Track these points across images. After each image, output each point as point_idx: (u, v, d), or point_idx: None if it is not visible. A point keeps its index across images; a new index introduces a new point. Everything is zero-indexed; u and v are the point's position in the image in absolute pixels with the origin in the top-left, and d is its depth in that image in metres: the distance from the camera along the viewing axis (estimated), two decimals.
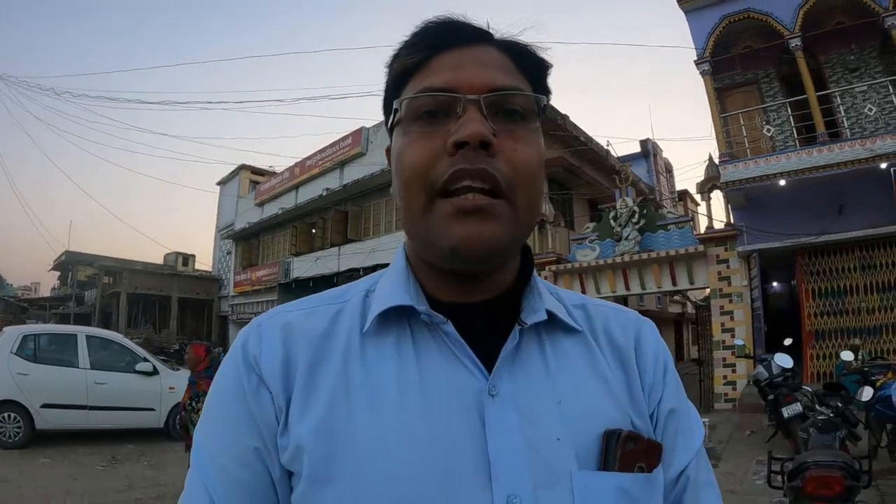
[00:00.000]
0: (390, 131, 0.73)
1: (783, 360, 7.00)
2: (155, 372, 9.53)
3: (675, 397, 0.77)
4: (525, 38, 0.73)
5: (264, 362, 0.67)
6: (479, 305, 0.71)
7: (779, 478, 3.86)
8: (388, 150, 0.75)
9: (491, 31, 0.72)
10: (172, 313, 32.05)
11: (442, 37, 0.70)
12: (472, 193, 0.63)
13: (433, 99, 0.66)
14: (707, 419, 8.49)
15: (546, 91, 0.74)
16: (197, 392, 5.48)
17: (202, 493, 0.66)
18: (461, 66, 0.67)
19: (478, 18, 0.72)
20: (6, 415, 8.40)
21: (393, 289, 0.72)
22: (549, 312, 0.72)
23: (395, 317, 0.70)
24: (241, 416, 0.66)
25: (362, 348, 0.69)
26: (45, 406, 8.56)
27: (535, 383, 0.68)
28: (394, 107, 0.70)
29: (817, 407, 5.87)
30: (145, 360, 9.73)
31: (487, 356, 0.67)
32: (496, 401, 0.64)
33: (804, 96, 11.57)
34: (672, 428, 0.74)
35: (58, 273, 48.54)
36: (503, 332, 0.69)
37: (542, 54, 0.74)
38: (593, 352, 0.74)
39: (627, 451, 0.65)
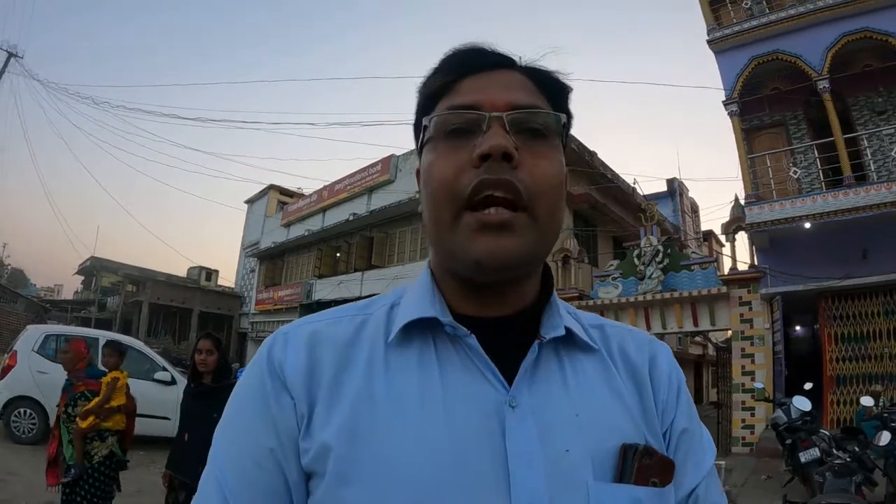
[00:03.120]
0: (420, 151, 0.77)
1: (801, 404, 6.88)
2: (173, 382, 9.59)
3: (687, 418, 0.79)
4: (547, 63, 0.78)
5: (288, 368, 0.69)
6: (500, 320, 0.74)
7: None
8: (418, 171, 0.78)
9: (514, 57, 0.77)
10: (192, 326, 32.17)
11: (469, 62, 0.75)
12: (496, 208, 0.67)
13: (459, 116, 0.70)
14: (724, 463, 8.36)
15: (567, 112, 0.77)
16: (75, 395, 4.69)
17: (217, 493, 0.67)
18: (486, 87, 0.72)
19: (503, 46, 0.77)
20: (22, 410, 8.58)
21: (418, 302, 0.74)
22: (567, 329, 0.74)
23: (419, 329, 0.72)
24: (260, 419, 0.68)
25: (386, 358, 0.71)
26: None
27: (553, 396, 0.70)
28: (423, 124, 0.75)
29: (834, 451, 5.77)
30: (164, 369, 9.80)
31: (507, 369, 0.69)
32: (516, 412, 0.66)
33: (831, 139, 11.45)
34: (684, 448, 0.75)
35: (81, 277, 49.10)
36: (523, 347, 0.71)
37: (563, 78, 0.78)
38: (609, 369, 0.76)
39: (643, 465, 0.67)
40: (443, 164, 0.70)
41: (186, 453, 3.93)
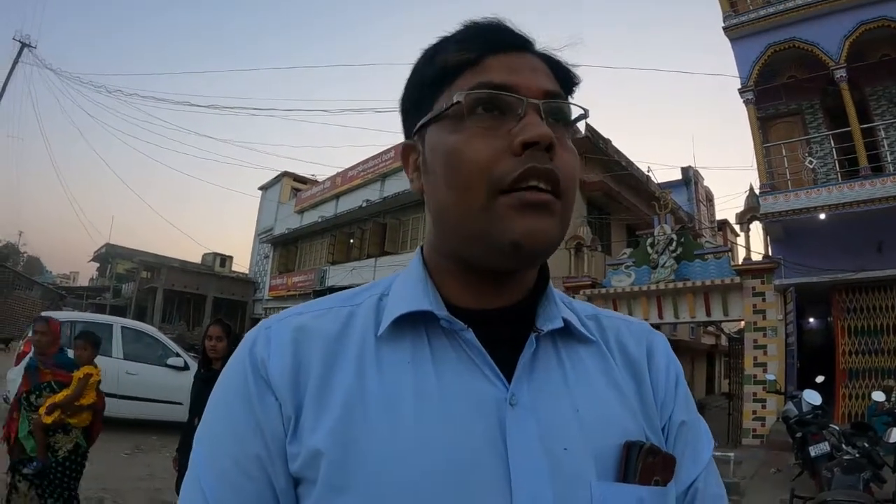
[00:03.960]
0: (423, 126, 0.73)
1: (812, 397, 6.84)
2: (186, 367, 9.66)
3: (685, 410, 0.77)
4: (565, 55, 0.75)
5: (272, 367, 0.66)
6: (494, 312, 0.72)
7: None
8: (409, 148, 0.77)
9: (532, 40, 0.73)
10: (207, 312, 32.39)
11: (495, 38, 0.70)
12: (535, 189, 0.64)
13: (494, 96, 0.66)
14: (733, 454, 8.34)
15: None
16: (40, 384, 4.34)
17: (199, 498, 0.64)
18: (518, 69, 0.68)
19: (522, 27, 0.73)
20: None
21: (410, 293, 0.72)
22: (564, 321, 0.72)
23: (411, 322, 0.69)
24: (244, 423, 0.65)
25: (377, 354, 0.68)
26: None
27: (553, 392, 0.68)
28: (453, 100, 0.67)
29: (844, 447, 5.73)
30: (177, 355, 9.88)
31: (504, 364, 0.67)
32: (516, 410, 0.64)
33: (848, 129, 11.31)
34: (682, 440, 0.74)
35: (97, 264, 49.90)
36: (519, 341, 0.69)
37: (575, 71, 0.75)
38: (608, 362, 0.75)
39: (647, 464, 0.65)
40: (477, 147, 0.65)
41: None
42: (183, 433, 4.41)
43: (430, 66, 0.72)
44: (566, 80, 0.74)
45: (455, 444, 0.61)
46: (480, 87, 0.66)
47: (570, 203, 0.68)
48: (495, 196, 0.64)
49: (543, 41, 0.74)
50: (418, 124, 0.73)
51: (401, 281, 0.76)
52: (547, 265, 0.78)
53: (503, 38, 0.71)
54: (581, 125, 0.80)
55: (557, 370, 0.70)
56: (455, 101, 0.66)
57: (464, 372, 0.66)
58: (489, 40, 0.70)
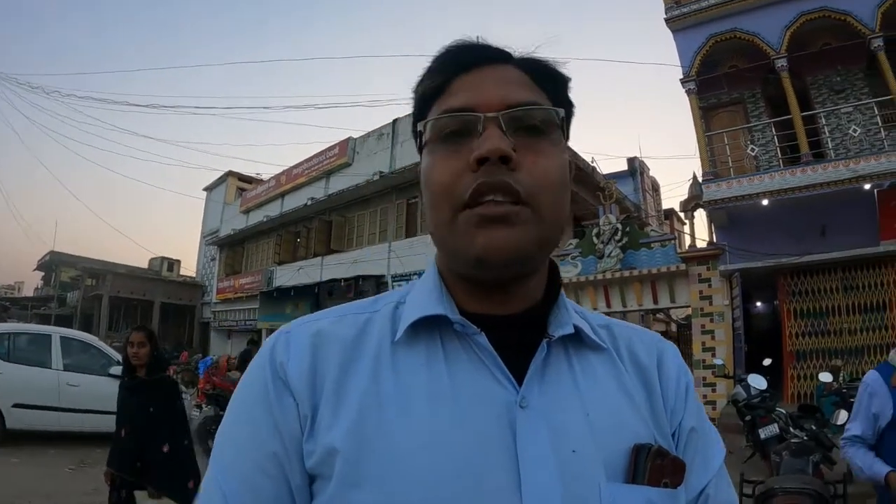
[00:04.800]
0: (420, 152, 0.76)
1: (757, 382, 6.91)
2: None
3: (696, 417, 0.78)
4: (542, 53, 0.76)
5: (291, 369, 0.68)
6: (507, 318, 0.73)
7: (750, 501, 3.75)
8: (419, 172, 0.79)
9: (509, 49, 0.75)
10: (154, 318, 31.82)
11: (460, 60, 0.73)
12: (494, 201, 0.65)
13: (454, 119, 0.69)
14: None
15: (566, 103, 0.77)
16: None
17: (218, 496, 0.66)
18: (479, 85, 0.71)
19: (497, 39, 0.76)
20: None
21: (425, 299, 0.73)
22: (575, 327, 0.73)
23: (426, 327, 0.71)
24: (263, 422, 0.67)
25: (393, 357, 0.69)
26: (16, 406, 8.41)
27: (563, 396, 0.69)
28: (418, 129, 0.74)
29: (791, 430, 5.78)
30: (119, 363, 9.54)
31: (516, 369, 0.68)
32: (527, 412, 0.65)
33: (789, 117, 11.56)
34: (692, 447, 0.75)
35: (42, 273, 48.24)
36: (531, 346, 0.70)
37: (560, 68, 0.77)
38: (619, 368, 0.76)
39: (656, 466, 0.66)
40: (441, 169, 0.69)
41: (125, 449, 3.86)
42: (111, 446, 4.15)
43: (415, 96, 0.77)
44: (553, 81, 0.76)
45: (467, 444, 0.63)
46: (443, 114, 0.70)
47: (547, 205, 0.68)
48: (457, 213, 0.67)
49: (522, 46, 0.76)
50: (419, 150, 0.77)
51: (417, 289, 0.78)
52: (559, 273, 0.80)
53: (468, 57, 0.73)
54: None
55: (568, 375, 0.72)
56: (419, 130, 0.73)
57: (475, 374, 0.68)
58: (457, 63, 0.73)
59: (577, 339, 0.74)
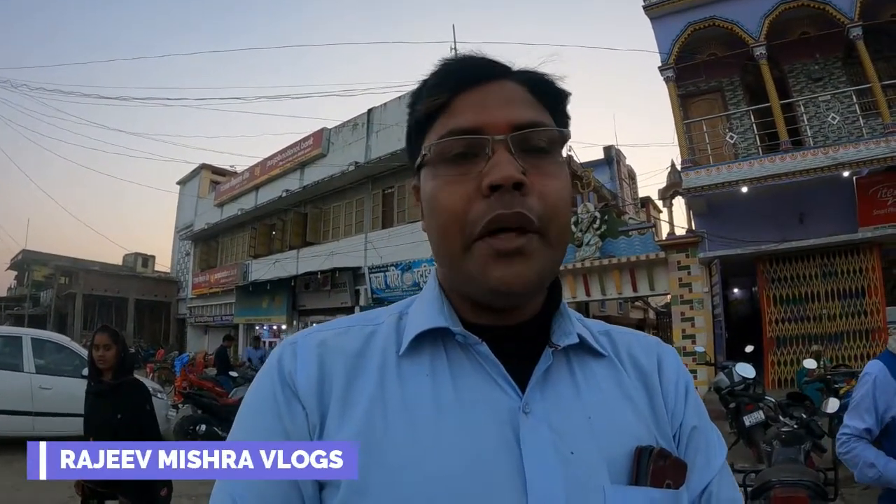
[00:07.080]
0: (417, 170, 0.75)
1: (745, 370, 6.90)
2: None
3: (696, 416, 0.78)
4: (545, 68, 0.75)
5: (299, 378, 0.68)
6: (510, 328, 0.73)
7: (740, 489, 3.70)
8: (416, 188, 0.77)
9: (509, 64, 0.73)
10: (129, 315, 31.45)
11: (462, 76, 0.71)
12: (506, 234, 0.64)
13: (461, 141, 0.68)
14: None
15: (566, 119, 0.76)
16: None
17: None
18: (484, 104, 0.69)
19: (496, 55, 0.74)
20: None
21: (428, 312, 0.73)
22: (579, 336, 0.74)
23: (430, 338, 0.71)
24: (272, 430, 0.67)
25: (398, 367, 0.70)
26: None
27: (565, 402, 0.69)
28: (422, 151, 0.72)
29: (781, 418, 5.76)
30: None
31: (518, 376, 0.68)
32: (530, 418, 0.66)
33: (768, 104, 11.63)
34: (694, 446, 0.75)
35: (14, 272, 47.40)
36: (533, 354, 0.71)
37: (561, 84, 0.75)
38: (619, 373, 0.76)
39: (658, 467, 0.66)
40: (450, 195, 0.68)
41: None
42: None
43: (412, 112, 0.76)
44: (554, 97, 0.74)
45: (471, 450, 0.63)
46: (448, 135, 0.68)
47: (557, 228, 0.68)
48: (471, 242, 0.66)
49: (523, 61, 0.75)
50: (415, 166, 0.76)
51: (419, 302, 0.78)
52: (559, 284, 0.79)
53: (471, 74, 0.71)
54: None
55: (570, 381, 0.72)
56: (423, 152, 0.71)
57: (479, 382, 0.68)
58: (459, 79, 0.71)
59: (579, 347, 0.75)
